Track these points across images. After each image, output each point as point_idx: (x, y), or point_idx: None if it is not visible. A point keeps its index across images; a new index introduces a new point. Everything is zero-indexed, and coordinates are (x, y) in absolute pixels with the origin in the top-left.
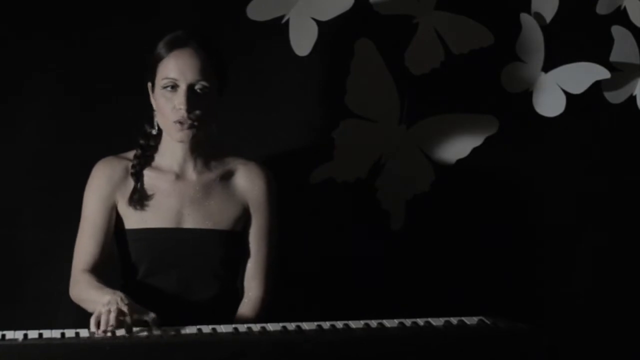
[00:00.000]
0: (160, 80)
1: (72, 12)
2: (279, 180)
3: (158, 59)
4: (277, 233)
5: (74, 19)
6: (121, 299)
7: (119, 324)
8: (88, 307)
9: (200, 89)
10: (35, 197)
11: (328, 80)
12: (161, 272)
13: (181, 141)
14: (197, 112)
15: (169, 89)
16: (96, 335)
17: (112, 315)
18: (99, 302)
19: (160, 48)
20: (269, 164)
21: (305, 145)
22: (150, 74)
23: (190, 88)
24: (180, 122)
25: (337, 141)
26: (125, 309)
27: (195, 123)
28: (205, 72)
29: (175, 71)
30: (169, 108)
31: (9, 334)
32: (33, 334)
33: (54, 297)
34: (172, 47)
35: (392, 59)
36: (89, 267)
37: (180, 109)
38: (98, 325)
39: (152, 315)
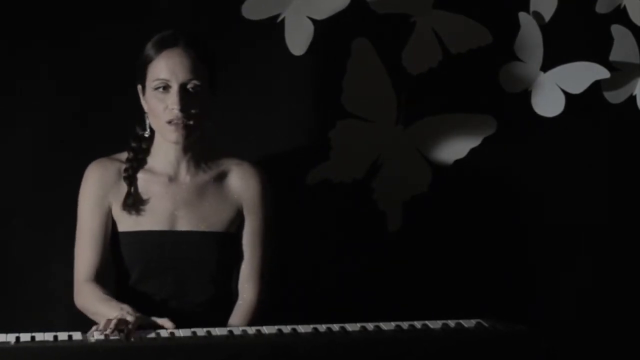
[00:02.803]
0: (151, 82)
1: (68, 13)
2: (275, 181)
3: (148, 61)
4: (271, 234)
5: (70, 19)
6: (128, 312)
7: (119, 331)
8: (94, 318)
9: (193, 88)
10: (28, 199)
11: (324, 80)
12: (155, 274)
13: (176, 142)
14: (192, 111)
15: (160, 90)
16: (89, 339)
17: (114, 323)
18: (107, 316)
19: (149, 49)
20: (265, 164)
21: (301, 146)
22: (140, 76)
23: (183, 87)
24: (175, 123)
25: (334, 141)
26: (130, 318)
27: (190, 122)
28: (196, 70)
29: (166, 71)
30: (161, 109)
31: (1, 337)
32: (25, 336)
33: (48, 299)
34: (161, 47)
35: (390, 59)
36: (92, 277)
37: (174, 109)
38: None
39: (168, 324)
